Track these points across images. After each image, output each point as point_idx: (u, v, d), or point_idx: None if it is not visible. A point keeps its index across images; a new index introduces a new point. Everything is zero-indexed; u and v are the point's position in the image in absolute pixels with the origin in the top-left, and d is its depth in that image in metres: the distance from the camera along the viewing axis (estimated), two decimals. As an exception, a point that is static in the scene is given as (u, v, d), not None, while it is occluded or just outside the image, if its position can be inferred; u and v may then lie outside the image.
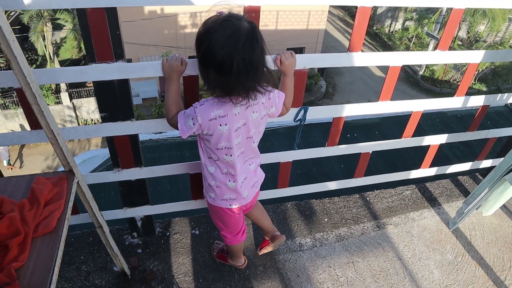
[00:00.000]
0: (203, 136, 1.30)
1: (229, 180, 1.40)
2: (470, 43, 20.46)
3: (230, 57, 1.09)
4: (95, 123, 15.15)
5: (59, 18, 15.33)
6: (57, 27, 16.60)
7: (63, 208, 1.11)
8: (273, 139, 5.65)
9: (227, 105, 1.21)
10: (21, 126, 14.47)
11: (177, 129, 1.28)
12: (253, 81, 1.17)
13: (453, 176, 2.61)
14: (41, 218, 1.07)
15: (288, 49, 1.46)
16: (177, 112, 1.30)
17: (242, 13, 1.24)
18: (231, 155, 1.32)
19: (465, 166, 2.40)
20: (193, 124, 1.23)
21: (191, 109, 1.25)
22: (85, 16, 1.18)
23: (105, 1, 1.15)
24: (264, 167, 1.61)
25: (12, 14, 16.14)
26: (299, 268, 1.87)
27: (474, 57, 1.76)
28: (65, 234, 1.07)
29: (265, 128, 1.39)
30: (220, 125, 1.24)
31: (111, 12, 1.21)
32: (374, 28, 22.45)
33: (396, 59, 1.62)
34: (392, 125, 5.86)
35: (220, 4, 1.15)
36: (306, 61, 1.49)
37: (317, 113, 1.69)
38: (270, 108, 1.33)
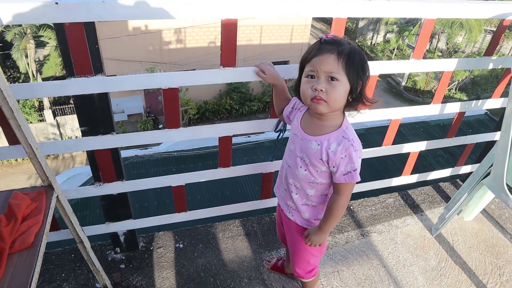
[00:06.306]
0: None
1: None
2: (450, 54, 21.03)
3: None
4: (80, 140, 14.94)
5: (43, 36, 15.25)
6: (40, 44, 16.50)
7: (41, 223, 1.10)
8: (259, 152, 5.67)
9: None
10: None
11: None
12: None
13: (435, 183, 2.66)
14: (18, 233, 1.05)
15: (273, 63, 1.49)
16: None
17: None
18: None
19: (446, 173, 2.45)
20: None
21: (357, 153, 1.25)
22: (63, 31, 1.19)
23: (84, 16, 1.16)
24: (249, 178, 1.62)
25: (-6, 32, 15.99)
26: (284, 279, 1.86)
27: (447, 65, 1.82)
28: (43, 250, 1.05)
29: (252, 142, 1.41)
30: None
31: (90, 27, 1.23)
32: (357, 41, 22.91)
33: (373, 68, 1.66)
34: (377, 135, 5.94)
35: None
36: (283, 72, 1.52)
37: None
38: None
